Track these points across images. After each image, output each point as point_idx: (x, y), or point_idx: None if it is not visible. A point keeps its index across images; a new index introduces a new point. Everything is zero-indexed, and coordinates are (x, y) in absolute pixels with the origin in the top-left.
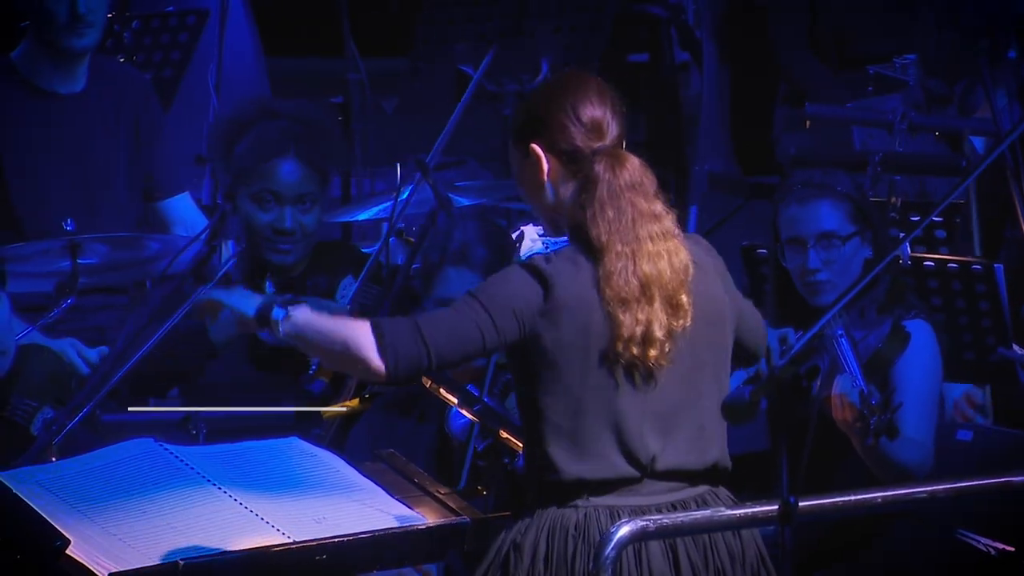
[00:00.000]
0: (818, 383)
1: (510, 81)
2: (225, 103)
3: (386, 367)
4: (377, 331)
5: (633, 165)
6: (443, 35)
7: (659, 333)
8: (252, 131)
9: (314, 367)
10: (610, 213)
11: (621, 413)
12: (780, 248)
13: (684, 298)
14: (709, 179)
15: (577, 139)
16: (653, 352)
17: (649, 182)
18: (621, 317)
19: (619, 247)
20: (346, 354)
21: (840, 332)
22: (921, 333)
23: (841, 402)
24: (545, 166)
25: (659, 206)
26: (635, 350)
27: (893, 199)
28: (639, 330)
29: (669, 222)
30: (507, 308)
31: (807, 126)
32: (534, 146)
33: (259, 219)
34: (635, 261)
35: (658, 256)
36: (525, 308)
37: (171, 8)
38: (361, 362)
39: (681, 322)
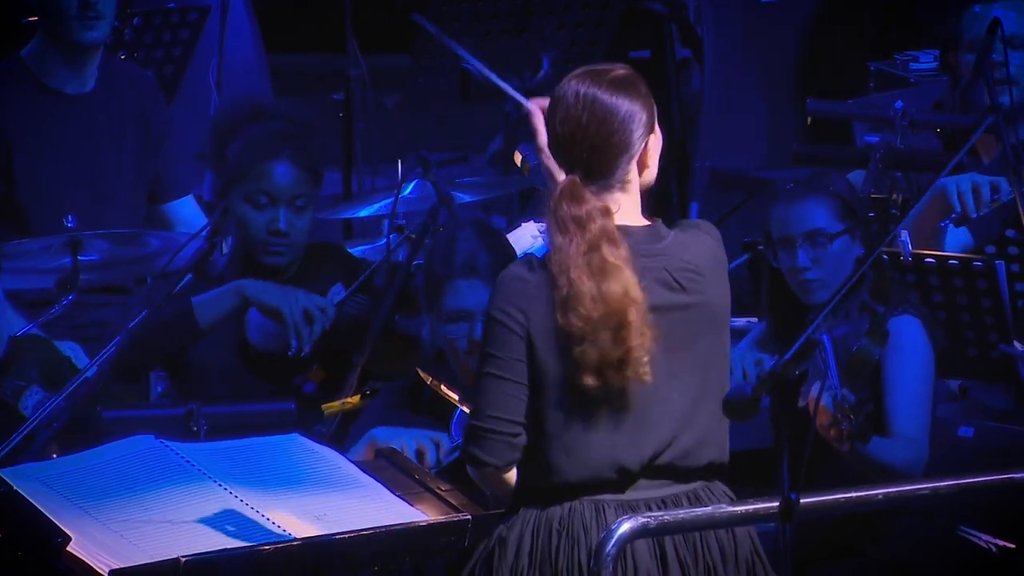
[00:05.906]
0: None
1: (512, 77)
2: (226, 100)
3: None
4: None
5: None
6: (448, 32)
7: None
8: (245, 132)
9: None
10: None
11: (614, 421)
12: (773, 248)
13: (647, 316)
14: (711, 175)
15: None
16: (630, 373)
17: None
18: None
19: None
20: None
21: (824, 335)
22: (909, 329)
23: (816, 407)
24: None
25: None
26: (611, 375)
27: (894, 196)
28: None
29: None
30: (514, 341)
31: (808, 122)
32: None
33: (254, 220)
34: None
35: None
36: (521, 330)
37: (172, 4)
38: None
39: (652, 336)
